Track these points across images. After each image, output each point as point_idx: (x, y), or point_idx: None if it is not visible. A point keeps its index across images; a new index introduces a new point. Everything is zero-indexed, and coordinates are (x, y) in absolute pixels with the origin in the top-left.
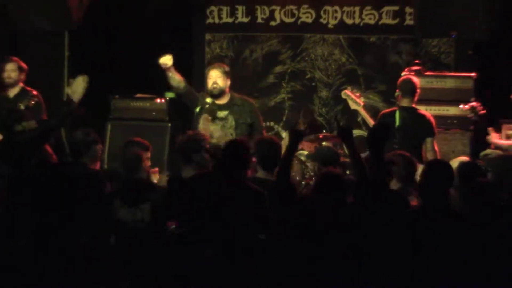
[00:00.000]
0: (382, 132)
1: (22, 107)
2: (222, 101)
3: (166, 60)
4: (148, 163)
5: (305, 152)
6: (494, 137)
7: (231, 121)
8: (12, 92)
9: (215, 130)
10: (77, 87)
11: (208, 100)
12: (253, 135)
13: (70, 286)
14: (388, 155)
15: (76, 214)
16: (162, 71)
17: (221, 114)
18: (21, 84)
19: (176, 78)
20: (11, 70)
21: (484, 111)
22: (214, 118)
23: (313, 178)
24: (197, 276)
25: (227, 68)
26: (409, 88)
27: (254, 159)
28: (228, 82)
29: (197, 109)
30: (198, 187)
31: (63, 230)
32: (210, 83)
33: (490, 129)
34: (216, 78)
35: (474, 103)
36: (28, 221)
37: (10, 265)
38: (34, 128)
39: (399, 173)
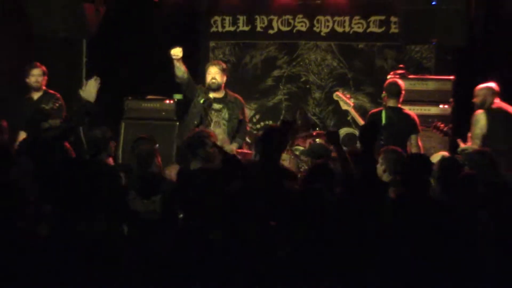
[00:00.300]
0: (372, 130)
1: (47, 108)
2: (218, 95)
3: (177, 51)
4: (159, 158)
5: (300, 148)
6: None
7: (224, 114)
8: (36, 95)
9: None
10: (91, 89)
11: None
12: (240, 130)
13: (89, 271)
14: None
15: (96, 205)
16: (172, 75)
17: (217, 106)
18: (43, 88)
19: (182, 69)
20: (38, 75)
21: (447, 127)
22: (211, 109)
23: (300, 170)
24: (205, 263)
25: (224, 66)
26: (394, 90)
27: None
28: (224, 79)
29: (201, 100)
30: (204, 179)
31: (83, 220)
32: (209, 78)
33: (458, 140)
34: (215, 74)
35: (436, 123)
36: (52, 212)
37: (35, 253)
38: (57, 126)
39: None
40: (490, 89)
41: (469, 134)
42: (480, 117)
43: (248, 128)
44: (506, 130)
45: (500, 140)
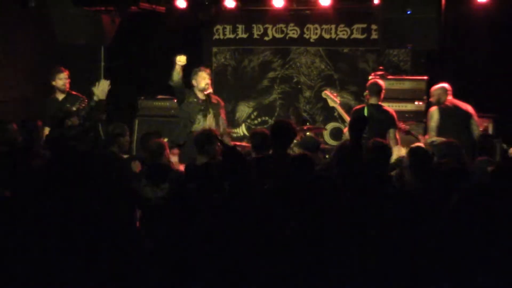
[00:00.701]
0: (360, 124)
1: (74, 108)
2: (205, 96)
3: (183, 59)
4: (168, 150)
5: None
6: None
7: (212, 113)
8: (61, 96)
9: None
10: (104, 87)
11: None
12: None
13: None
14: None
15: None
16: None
17: (206, 107)
18: (67, 90)
19: (180, 74)
20: (64, 78)
21: (407, 127)
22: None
23: None
24: (209, 244)
25: (209, 71)
26: (375, 89)
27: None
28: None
29: (190, 99)
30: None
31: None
32: (203, 82)
33: (419, 135)
34: (207, 79)
35: (405, 128)
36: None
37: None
38: (78, 124)
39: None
40: (443, 88)
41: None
42: (434, 113)
43: (226, 125)
44: (453, 123)
45: (449, 132)
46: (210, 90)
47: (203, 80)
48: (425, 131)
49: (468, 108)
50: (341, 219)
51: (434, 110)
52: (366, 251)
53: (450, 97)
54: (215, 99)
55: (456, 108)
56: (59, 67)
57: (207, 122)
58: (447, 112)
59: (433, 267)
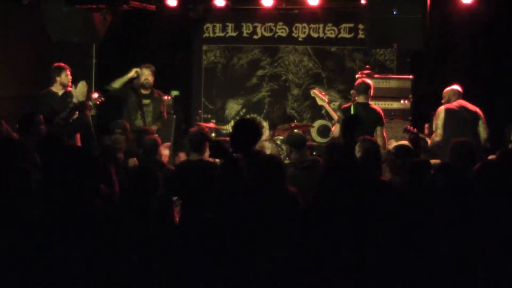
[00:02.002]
0: (353, 123)
1: (91, 103)
2: (147, 91)
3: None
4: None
5: (281, 137)
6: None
7: (150, 107)
8: (61, 92)
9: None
10: (83, 90)
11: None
12: (161, 121)
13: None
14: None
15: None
16: (169, 74)
17: (146, 101)
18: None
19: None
20: (69, 75)
21: (415, 130)
22: (141, 104)
23: (286, 158)
24: (197, 236)
25: (153, 68)
26: (362, 88)
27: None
28: (153, 79)
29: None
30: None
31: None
32: (142, 78)
33: (421, 135)
34: (147, 75)
35: (407, 127)
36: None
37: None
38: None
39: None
40: (453, 90)
41: (426, 125)
42: (441, 112)
43: (165, 117)
44: (460, 124)
45: (455, 132)
46: (149, 82)
47: (142, 76)
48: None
49: (477, 110)
50: (336, 218)
51: (441, 109)
52: (362, 251)
53: (460, 99)
54: (157, 93)
55: (464, 109)
56: (63, 64)
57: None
58: (454, 113)
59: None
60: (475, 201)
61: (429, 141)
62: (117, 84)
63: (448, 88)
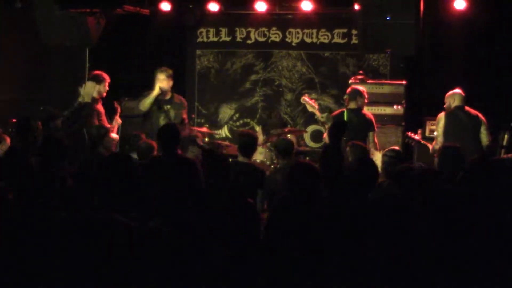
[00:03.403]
0: (338, 129)
1: (115, 124)
2: (167, 97)
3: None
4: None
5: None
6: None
7: (171, 114)
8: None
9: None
10: (89, 90)
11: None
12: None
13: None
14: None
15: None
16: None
17: (166, 107)
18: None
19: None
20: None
21: (417, 137)
22: (160, 109)
23: (274, 162)
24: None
25: (171, 72)
26: (353, 95)
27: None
28: (171, 83)
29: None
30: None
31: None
32: (164, 83)
33: (422, 141)
34: (163, 80)
35: (408, 133)
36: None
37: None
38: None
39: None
40: (454, 94)
41: (419, 131)
42: (441, 119)
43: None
44: (460, 130)
45: (456, 138)
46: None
47: (158, 81)
48: (403, 134)
49: (479, 115)
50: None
51: (441, 116)
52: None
53: (461, 104)
54: (178, 98)
55: (465, 115)
56: (105, 75)
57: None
58: (455, 118)
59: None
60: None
61: (430, 147)
62: (145, 105)
63: (449, 93)
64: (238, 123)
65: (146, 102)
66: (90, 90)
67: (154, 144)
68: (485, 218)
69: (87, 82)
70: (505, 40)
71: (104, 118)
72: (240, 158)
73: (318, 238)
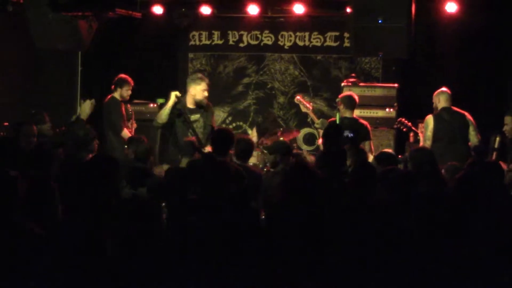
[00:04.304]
0: (334, 132)
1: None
2: (195, 105)
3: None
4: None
5: (268, 145)
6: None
7: (201, 123)
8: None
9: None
10: (85, 108)
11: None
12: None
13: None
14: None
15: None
16: (155, 83)
17: (195, 117)
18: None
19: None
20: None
21: (410, 122)
22: (190, 123)
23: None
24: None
25: (208, 81)
26: (350, 103)
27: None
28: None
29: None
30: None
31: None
32: (202, 94)
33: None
34: (204, 90)
35: (401, 119)
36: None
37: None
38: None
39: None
40: (439, 93)
41: (411, 134)
42: (429, 121)
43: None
44: (449, 131)
45: (444, 140)
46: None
47: (204, 92)
48: (395, 137)
49: (466, 115)
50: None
51: (429, 118)
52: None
53: (447, 104)
54: (206, 104)
55: (453, 116)
56: (129, 78)
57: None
58: (443, 121)
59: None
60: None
61: (421, 136)
62: (163, 117)
63: (436, 92)
64: (231, 126)
65: (163, 114)
66: (86, 109)
67: (153, 148)
68: (475, 221)
69: (86, 100)
70: (497, 43)
71: (126, 120)
72: (237, 162)
73: (316, 240)
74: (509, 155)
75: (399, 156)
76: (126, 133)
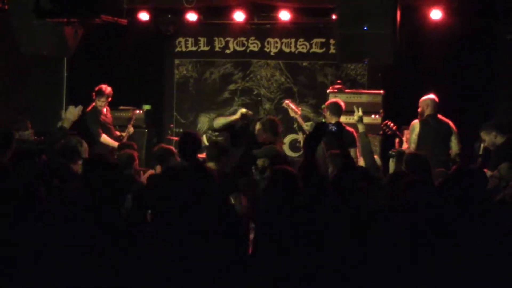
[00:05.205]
0: (316, 136)
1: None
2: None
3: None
4: (137, 162)
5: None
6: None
7: None
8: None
9: None
10: (70, 115)
11: None
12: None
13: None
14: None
15: None
16: (141, 88)
17: None
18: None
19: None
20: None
21: (395, 126)
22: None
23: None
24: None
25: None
26: (337, 110)
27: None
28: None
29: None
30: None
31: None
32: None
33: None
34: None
35: (387, 121)
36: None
37: None
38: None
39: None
40: (427, 100)
41: (397, 140)
42: (415, 126)
43: None
44: (433, 138)
45: (428, 146)
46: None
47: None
48: (381, 144)
49: (450, 124)
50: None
51: (415, 122)
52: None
53: (433, 112)
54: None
55: (438, 123)
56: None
57: None
58: (428, 126)
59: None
60: (438, 215)
61: (405, 141)
62: (219, 123)
63: (423, 98)
64: (216, 133)
65: (221, 121)
66: (70, 116)
67: (135, 154)
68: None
69: (69, 107)
70: (481, 50)
71: (111, 126)
72: (210, 164)
73: (302, 245)
74: (492, 161)
75: (392, 151)
76: (105, 139)
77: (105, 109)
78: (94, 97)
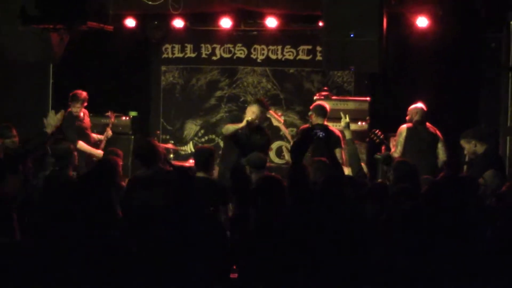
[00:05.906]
0: (302, 145)
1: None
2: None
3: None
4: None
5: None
6: None
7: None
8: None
9: None
10: (51, 121)
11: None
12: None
13: None
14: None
15: None
16: (127, 95)
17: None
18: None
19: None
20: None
21: (383, 135)
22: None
23: None
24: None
25: (263, 103)
26: (322, 112)
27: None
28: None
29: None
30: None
31: None
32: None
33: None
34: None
35: (375, 130)
36: None
37: None
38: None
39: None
40: (416, 109)
41: (383, 147)
42: (403, 131)
43: None
44: (419, 145)
45: (413, 153)
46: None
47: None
48: (368, 150)
49: (437, 132)
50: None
51: (403, 128)
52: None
53: (422, 119)
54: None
55: (425, 130)
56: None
57: None
58: (415, 133)
59: None
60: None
61: (392, 149)
62: (229, 131)
63: (412, 106)
64: (203, 139)
65: (230, 129)
66: (51, 121)
67: (119, 162)
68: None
69: (50, 113)
70: (467, 57)
71: (89, 132)
72: (199, 174)
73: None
74: (476, 169)
75: (378, 154)
76: (81, 145)
77: (82, 114)
78: (69, 102)
